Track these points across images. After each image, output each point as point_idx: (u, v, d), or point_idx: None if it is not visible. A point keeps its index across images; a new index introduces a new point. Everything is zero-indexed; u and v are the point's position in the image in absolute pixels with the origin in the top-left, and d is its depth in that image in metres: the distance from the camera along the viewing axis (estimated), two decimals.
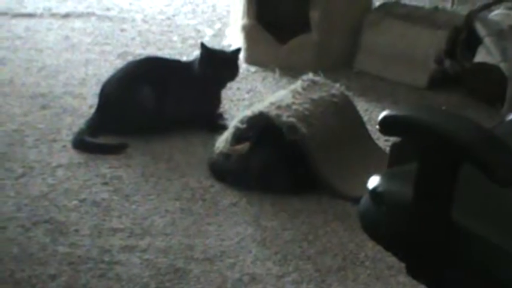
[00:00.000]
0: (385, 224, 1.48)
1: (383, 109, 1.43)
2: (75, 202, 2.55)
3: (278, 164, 2.65)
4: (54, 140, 2.89)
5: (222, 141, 2.73)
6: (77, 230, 2.42)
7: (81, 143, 2.84)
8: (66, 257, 2.30)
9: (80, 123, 2.95)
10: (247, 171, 2.65)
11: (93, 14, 4.06)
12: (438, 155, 1.36)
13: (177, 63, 3.14)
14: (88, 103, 3.12)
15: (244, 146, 2.66)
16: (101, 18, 4.02)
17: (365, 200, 1.53)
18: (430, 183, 1.38)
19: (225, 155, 2.69)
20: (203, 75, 2.94)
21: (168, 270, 2.27)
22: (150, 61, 3.10)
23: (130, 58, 3.47)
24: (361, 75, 3.52)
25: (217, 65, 2.95)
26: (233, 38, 3.74)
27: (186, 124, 2.96)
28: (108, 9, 4.14)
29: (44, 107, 3.12)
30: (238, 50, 3.07)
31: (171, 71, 3.01)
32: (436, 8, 3.79)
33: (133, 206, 2.55)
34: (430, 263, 1.41)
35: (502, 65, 3.21)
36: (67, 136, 2.90)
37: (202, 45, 2.97)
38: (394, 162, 2.43)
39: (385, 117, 1.41)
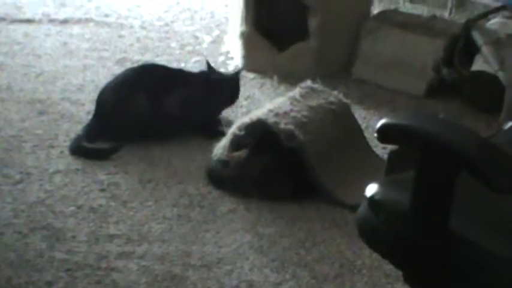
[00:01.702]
0: (383, 231, 1.48)
1: (381, 117, 1.44)
2: (72, 208, 2.55)
3: (276, 171, 2.65)
4: (52, 146, 2.88)
5: (220, 148, 2.73)
6: (74, 236, 2.41)
7: (78, 149, 2.84)
8: (63, 263, 2.29)
9: (77, 129, 2.95)
10: (245, 178, 2.65)
11: (91, 20, 4.06)
12: (436, 163, 1.36)
13: (174, 71, 3.14)
14: (86, 109, 3.12)
15: (242, 153, 2.66)
16: (99, 24, 4.02)
17: (363, 207, 1.53)
18: (427, 192, 1.38)
19: (223, 162, 2.69)
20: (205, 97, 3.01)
21: (165, 276, 2.26)
22: (147, 68, 3.10)
23: (128, 64, 3.47)
24: (359, 82, 3.52)
25: (220, 89, 3.03)
26: (231, 45, 3.75)
27: (184, 131, 2.96)
28: (106, 15, 4.14)
29: (41, 113, 3.11)
30: (239, 72, 3.15)
31: (169, 79, 3.01)
32: (434, 16, 3.80)
33: (131, 213, 2.54)
34: (428, 271, 1.41)
35: (500, 74, 3.21)
36: (64, 142, 2.90)
37: (208, 65, 3.06)
38: (391, 170, 2.42)
39: (383, 125, 1.41)
